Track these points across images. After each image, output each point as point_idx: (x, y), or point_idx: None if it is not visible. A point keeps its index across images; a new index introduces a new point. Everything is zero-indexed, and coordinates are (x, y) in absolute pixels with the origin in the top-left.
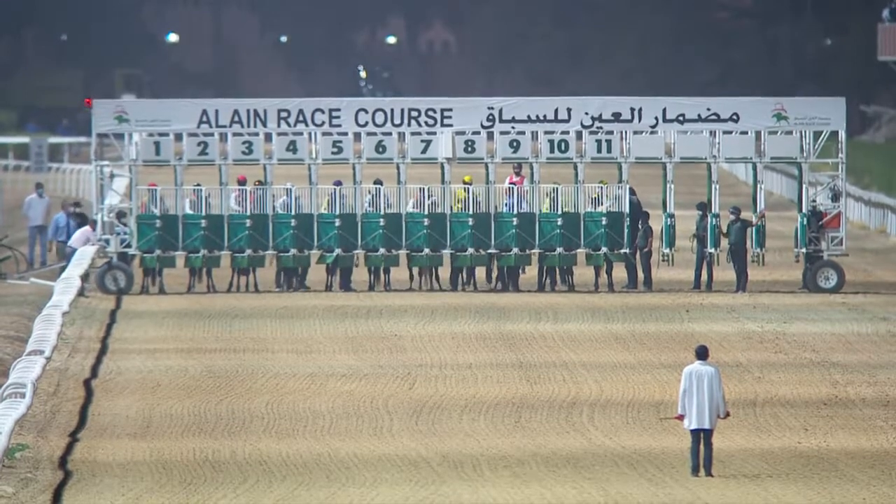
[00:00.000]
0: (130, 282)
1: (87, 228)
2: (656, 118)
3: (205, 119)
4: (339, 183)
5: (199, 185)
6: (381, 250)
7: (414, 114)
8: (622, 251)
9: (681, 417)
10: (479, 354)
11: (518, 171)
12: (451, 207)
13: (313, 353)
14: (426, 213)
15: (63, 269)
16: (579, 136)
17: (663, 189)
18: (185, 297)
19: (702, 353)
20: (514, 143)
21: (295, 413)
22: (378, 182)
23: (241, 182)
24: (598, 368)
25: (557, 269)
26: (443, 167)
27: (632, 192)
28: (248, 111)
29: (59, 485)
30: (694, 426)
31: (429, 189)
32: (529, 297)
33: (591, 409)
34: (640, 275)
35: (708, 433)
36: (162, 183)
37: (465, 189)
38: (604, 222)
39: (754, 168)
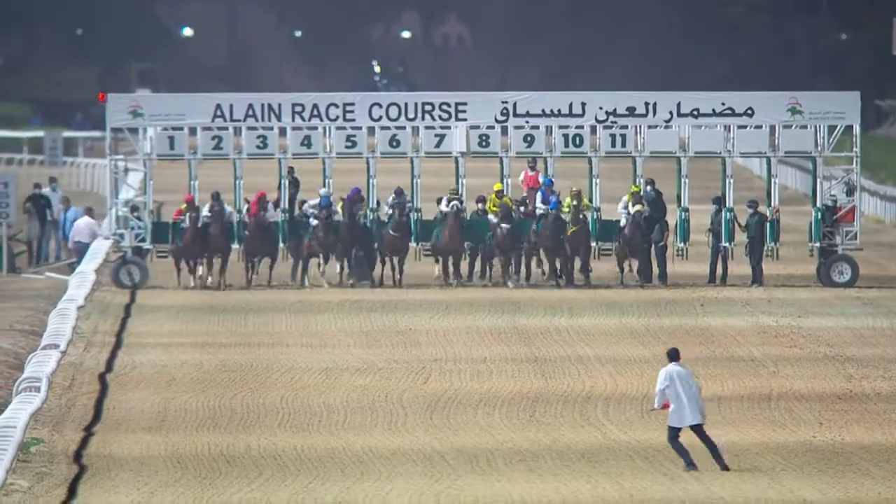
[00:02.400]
0: (145, 276)
1: (89, 219)
2: (671, 113)
3: (219, 113)
4: (351, 194)
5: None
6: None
7: (428, 108)
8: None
9: (667, 405)
10: (494, 349)
11: (533, 165)
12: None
13: (328, 347)
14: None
15: (76, 262)
16: (594, 130)
17: (678, 183)
18: (200, 292)
19: (674, 355)
20: (529, 138)
21: (309, 407)
22: (399, 191)
23: (261, 197)
24: (612, 362)
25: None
26: (457, 161)
27: (651, 182)
28: (262, 105)
29: (74, 479)
30: (687, 423)
31: (460, 200)
32: (544, 291)
33: (606, 404)
34: (656, 269)
35: (700, 428)
36: (176, 177)
37: (497, 196)
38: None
39: (768, 162)
